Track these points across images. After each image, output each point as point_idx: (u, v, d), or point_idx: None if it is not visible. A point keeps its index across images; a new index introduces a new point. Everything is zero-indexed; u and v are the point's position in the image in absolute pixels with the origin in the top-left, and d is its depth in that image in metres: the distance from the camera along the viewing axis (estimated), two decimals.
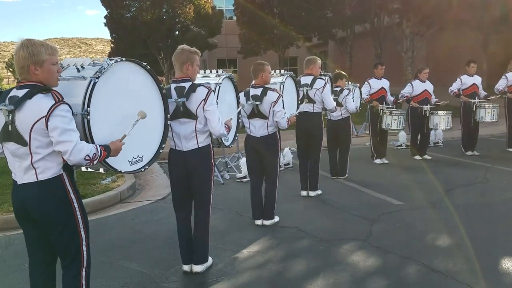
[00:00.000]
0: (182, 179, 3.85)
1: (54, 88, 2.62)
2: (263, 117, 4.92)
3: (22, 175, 2.62)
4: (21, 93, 2.55)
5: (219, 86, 4.16)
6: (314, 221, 5.25)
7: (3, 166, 8.09)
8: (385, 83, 8.52)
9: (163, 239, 4.83)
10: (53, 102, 2.50)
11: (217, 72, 4.48)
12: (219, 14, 31.32)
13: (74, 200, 2.70)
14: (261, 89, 4.88)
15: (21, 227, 2.81)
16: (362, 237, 4.65)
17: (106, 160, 2.79)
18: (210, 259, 4.05)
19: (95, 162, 2.61)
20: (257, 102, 4.85)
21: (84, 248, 2.78)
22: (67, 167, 2.67)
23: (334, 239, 4.63)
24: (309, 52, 34.65)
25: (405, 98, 8.55)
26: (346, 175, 7.38)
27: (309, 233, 4.82)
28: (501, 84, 9.07)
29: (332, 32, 21.27)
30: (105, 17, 29.14)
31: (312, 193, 6.29)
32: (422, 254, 4.16)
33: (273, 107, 4.85)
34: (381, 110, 8.34)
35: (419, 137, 8.79)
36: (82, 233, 2.76)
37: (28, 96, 2.52)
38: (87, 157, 2.54)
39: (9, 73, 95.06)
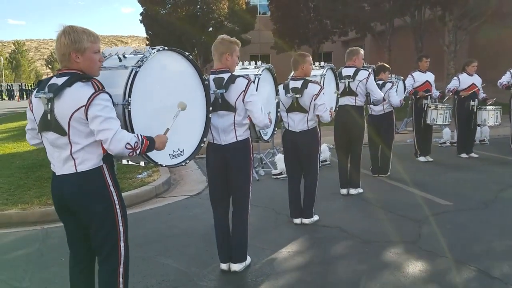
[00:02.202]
0: (220, 173, 3.68)
1: (95, 77, 2.50)
2: (303, 110, 4.69)
3: (61, 166, 2.52)
4: (60, 81, 2.44)
5: (259, 78, 3.96)
6: (357, 221, 4.98)
7: (41, 159, 8.23)
8: (430, 77, 8.10)
9: (199, 235, 4.70)
10: (93, 90, 2.39)
11: (255, 63, 4.29)
12: (253, 10, 31.16)
13: (114, 194, 2.58)
14: (302, 81, 4.65)
15: (61, 220, 2.72)
16: (410, 239, 4.36)
17: (147, 153, 2.65)
18: (248, 258, 3.87)
19: (137, 152, 2.47)
20: (297, 95, 4.63)
21: (122, 244, 2.65)
22: (107, 158, 2.55)
23: (380, 240, 4.36)
24: (344, 47, 34.05)
25: (451, 92, 8.10)
26: (388, 173, 7.05)
27: (352, 234, 4.57)
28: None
29: (371, 26, 20.63)
30: (141, 14, 29.58)
31: (353, 191, 6.02)
32: (478, 259, 3.84)
33: (314, 100, 4.62)
34: (426, 105, 7.93)
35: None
36: (121, 227, 2.64)
37: (68, 84, 2.41)
38: (128, 146, 2.41)
39: (49, 70, 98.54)
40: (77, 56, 2.45)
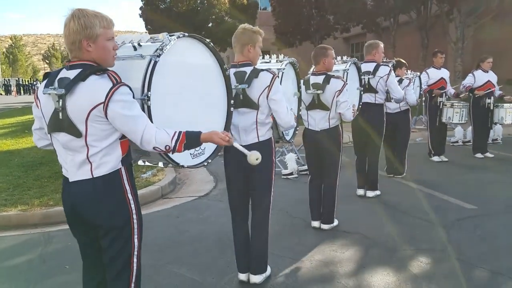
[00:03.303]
0: (240, 177, 3.37)
1: (109, 68, 2.19)
2: (325, 108, 4.37)
3: (75, 171, 2.20)
4: (72, 74, 2.12)
5: (282, 72, 3.65)
6: (379, 226, 4.68)
7: (41, 157, 7.89)
8: (445, 73, 7.79)
9: (212, 241, 4.39)
10: (111, 84, 2.08)
11: (277, 57, 3.97)
12: (254, 5, 30.74)
13: (132, 202, 2.27)
14: (323, 76, 4.33)
15: (72, 231, 2.39)
16: (439, 247, 4.06)
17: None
18: (268, 269, 3.57)
19: (170, 154, 2.28)
20: (319, 91, 4.31)
21: (135, 260, 2.34)
22: (126, 160, 2.25)
23: (407, 248, 4.06)
24: (346, 43, 33.70)
25: (466, 88, 7.80)
26: (404, 174, 6.76)
27: (376, 241, 4.27)
28: None
29: (377, 22, 20.27)
30: (140, 8, 29.15)
31: (370, 193, 5.72)
32: None
33: (337, 96, 4.30)
34: (441, 103, 7.63)
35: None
36: (135, 241, 2.32)
37: (81, 77, 2.09)
38: (157, 149, 2.19)
39: (46, 65, 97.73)
40: (89, 44, 2.13)
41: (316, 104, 4.37)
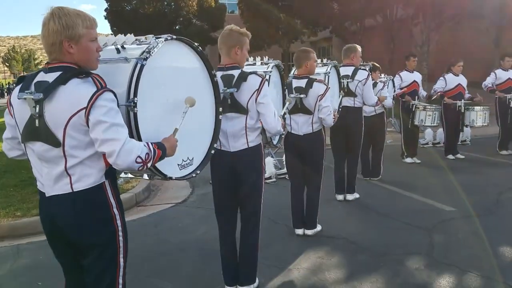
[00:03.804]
0: (227, 185, 3.24)
1: (93, 72, 2.01)
2: (308, 112, 4.30)
3: (52, 184, 2.00)
4: (51, 77, 1.94)
5: (269, 75, 3.54)
6: (362, 230, 4.64)
7: (5, 164, 7.46)
8: (417, 77, 7.92)
9: (194, 251, 4.23)
10: (95, 88, 1.90)
11: (262, 59, 3.86)
12: (222, 8, 30.62)
13: (118, 217, 2.10)
14: (306, 80, 4.26)
15: (53, 249, 2.20)
16: (424, 251, 4.05)
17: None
18: (256, 280, 3.44)
19: (148, 165, 2.01)
20: (302, 95, 4.23)
21: (121, 281, 2.16)
22: (110, 173, 2.06)
23: (393, 253, 4.03)
24: (312, 46, 34.05)
25: (438, 93, 7.95)
26: (380, 176, 6.79)
27: (361, 245, 4.22)
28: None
29: (345, 26, 20.53)
30: (106, 9, 28.47)
31: (349, 197, 5.70)
32: (506, 273, 3.56)
33: (319, 101, 4.24)
34: (414, 105, 7.73)
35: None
36: (121, 260, 2.15)
37: (62, 81, 1.91)
38: (139, 159, 1.94)
39: (5, 68, 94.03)
40: (71, 45, 1.95)
41: (299, 108, 4.29)
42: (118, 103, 2.00)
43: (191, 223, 5.03)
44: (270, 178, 6.85)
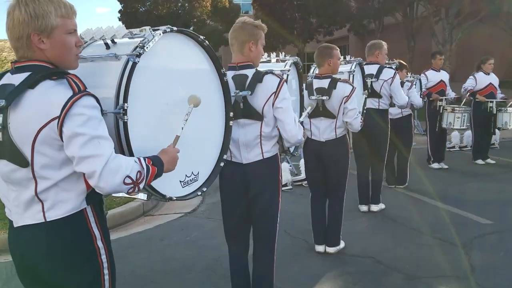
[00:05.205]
0: (239, 201, 2.81)
1: (71, 72, 1.60)
2: (331, 116, 3.84)
3: (21, 212, 1.61)
4: (17, 79, 1.54)
5: (287, 75, 3.10)
6: (390, 247, 4.17)
7: None
8: (444, 76, 7.38)
9: (202, 270, 3.82)
10: (71, 93, 1.50)
11: (278, 56, 3.41)
12: (236, 8, 30.27)
13: (103, 251, 1.69)
14: (329, 80, 3.80)
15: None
16: (463, 273, 3.57)
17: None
18: None
19: (141, 186, 1.60)
20: (325, 97, 3.78)
21: None
22: (93, 197, 1.66)
23: (427, 276, 3.55)
24: None
25: (468, 92, 7.38)
26: (406, 184, 6.29)
27: (390, 266, 3.75)
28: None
29: (363, 24, 19.95)
30: (119, 11, 28.39)
31: (374, 208, 5.21)
32: None
33: (344, 103, 3.78)
34: (441, 107, 7.20)
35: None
36: None
37: (30, 84, 1.51)
38: (128, 180, 1.54)
39: None
40: (41, 39, 1.55)
41: (321, 111, 3.84)
42: (102, 110, 1.59)
43: (200, 237, 4.62)
44: (286, 185, 6.41)
